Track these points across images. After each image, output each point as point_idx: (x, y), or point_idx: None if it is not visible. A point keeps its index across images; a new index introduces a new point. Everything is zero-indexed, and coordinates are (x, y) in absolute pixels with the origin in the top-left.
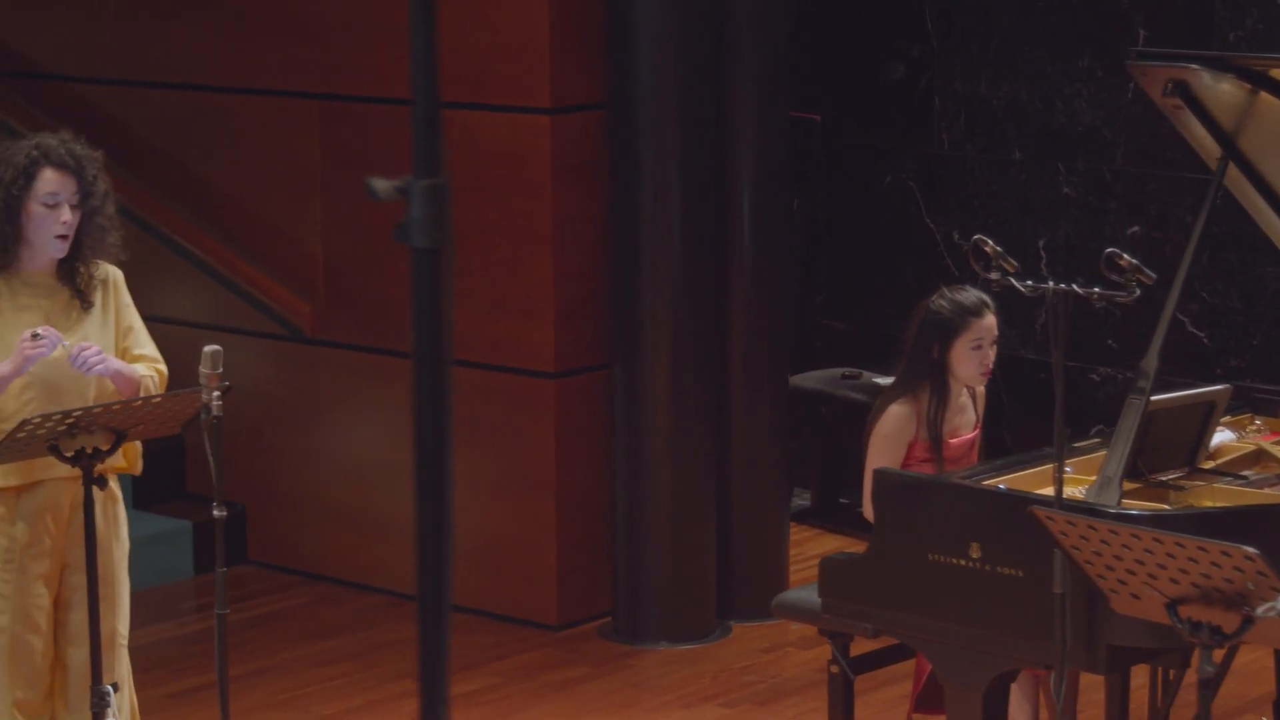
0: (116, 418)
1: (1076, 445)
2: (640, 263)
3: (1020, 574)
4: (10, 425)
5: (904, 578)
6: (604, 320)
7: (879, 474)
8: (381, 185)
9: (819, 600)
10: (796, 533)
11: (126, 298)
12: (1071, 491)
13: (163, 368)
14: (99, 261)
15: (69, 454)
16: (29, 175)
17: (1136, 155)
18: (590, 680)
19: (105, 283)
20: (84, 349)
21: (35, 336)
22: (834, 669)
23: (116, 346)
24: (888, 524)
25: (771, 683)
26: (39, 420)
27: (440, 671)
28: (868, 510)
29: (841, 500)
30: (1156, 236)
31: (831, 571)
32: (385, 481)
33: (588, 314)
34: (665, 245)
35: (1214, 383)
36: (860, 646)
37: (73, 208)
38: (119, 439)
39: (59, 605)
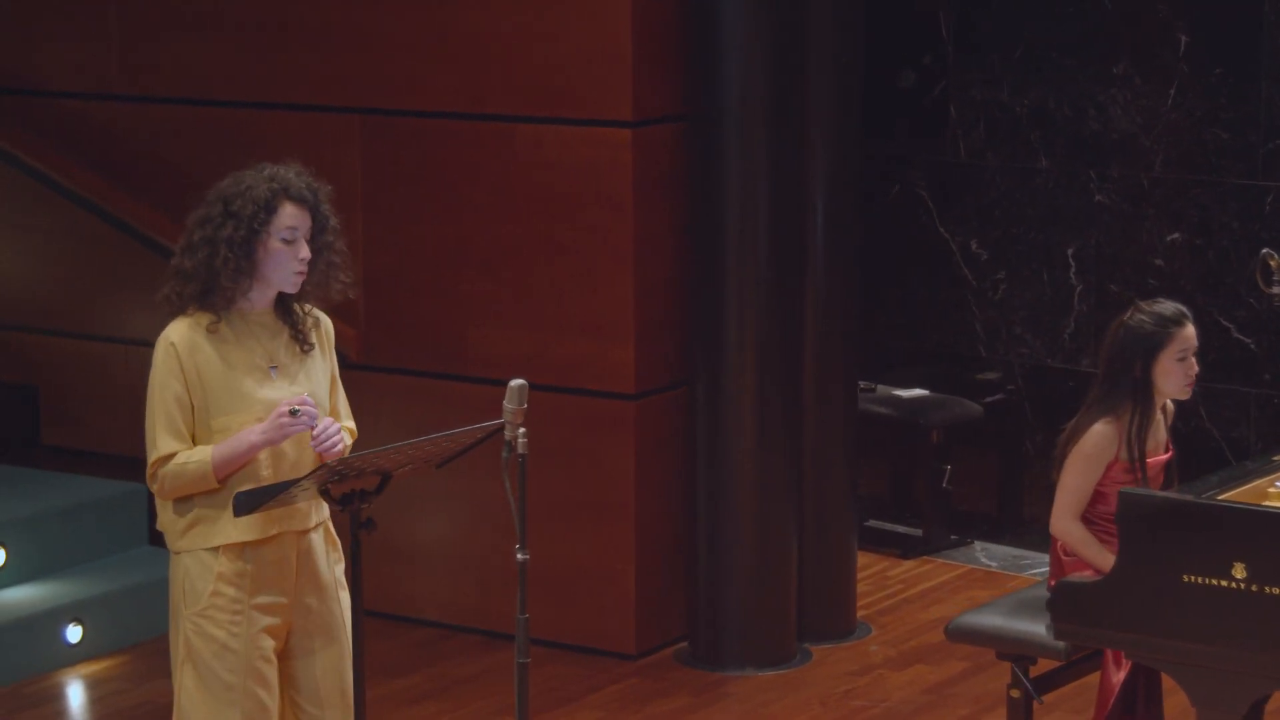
0: (404, 455)
1: (1276, 459)
2: (725, 278)
3: None
4: (240, 476)
5: (1154, 600)
6: (682, 339)
7: (1125, 495)
8: None
9: (999, 623)
10: None
11: (333, 350)
12: None
13: (353, 426)
14: (310, 305)
15: (337, 496)
16: (270, 209)
17: (1177, 162)
18: (698, 710)
19: (319, 325)
20: (327, 430)
21: (294, 413)
22: (1014, 693)
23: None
24: (1135, 546)
25: (883, 706)
26: (334, 463)
27: None
28: (1053, 526)
29: None
30: (1199, 243)
31: (1069, 596)
32: (429, 511)
33: (667, 332)
34: (751, 260)
35: (1261, 388)
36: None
37: (307, 243)
38: (384, 480)
39: (287, 656)
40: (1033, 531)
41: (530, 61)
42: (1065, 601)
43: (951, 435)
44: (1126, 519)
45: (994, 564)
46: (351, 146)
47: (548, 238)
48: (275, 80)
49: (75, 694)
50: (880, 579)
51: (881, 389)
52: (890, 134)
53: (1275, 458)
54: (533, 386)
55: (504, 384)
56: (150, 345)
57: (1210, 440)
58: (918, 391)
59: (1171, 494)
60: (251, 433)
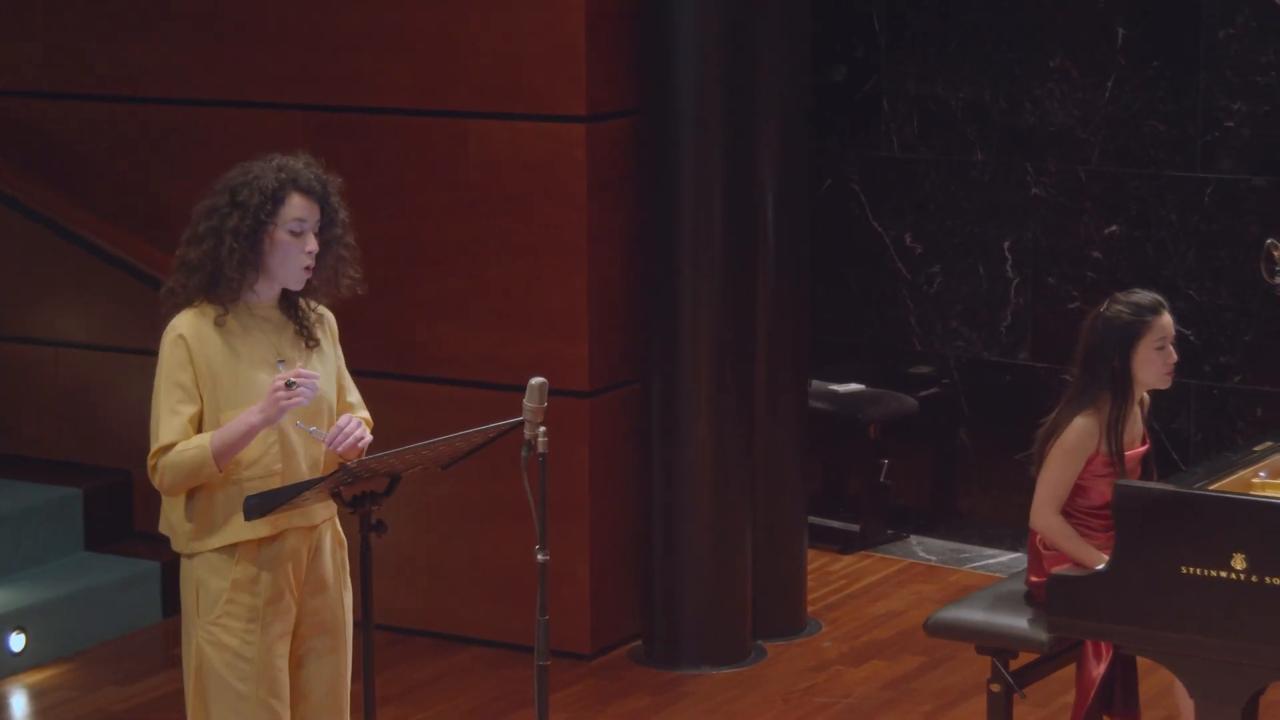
0: (419, 455)
1: (1256, 450)
2: (680, 274)
3: None
4: (253, 472)
5: (1152, 593)
6: (637, 336)
7: (1122, 488)
8: None
9: (980, 618)
10: None
11: (337, 344)
12: None
13: (368, 415)
14: (315, 300)
15: (348, 499)
16: (277, 200)
17: (1115, 154)
18: (661, 710)
19: (323, 320)
20: (342, 429)
21: (289, 385)
22: (994, 687)
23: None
24: (1132, 539)
25: (845, 702)
26: (353, 464)
27: None
28: (1033, 520)
29: None
30: (1137, 235)
31: (1065, 589)
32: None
33: (621, 329)
34: (706, 255)
35: (1201, 379)
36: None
37: (314, 235)
38: (393, 481)
39: (291, 662)
40: (968, 525)
41: (482, 57)
42: (1060, 595)
43: (888, 430)
44: (1123, 511)
45: (933, 558)
46: (294, 145)
47: (500, 235)
48: (214, 77)
49: (21, 704)
50: (822, 575)
51: (817, 384)
52: (822, 129)
53: (1255, 449)
54: (485, 386)
55: (455, 384)
56: (81, 347)
57: (1150, 432)
58: (854, 386)
59: (1170, 486)
60: (250, 414)
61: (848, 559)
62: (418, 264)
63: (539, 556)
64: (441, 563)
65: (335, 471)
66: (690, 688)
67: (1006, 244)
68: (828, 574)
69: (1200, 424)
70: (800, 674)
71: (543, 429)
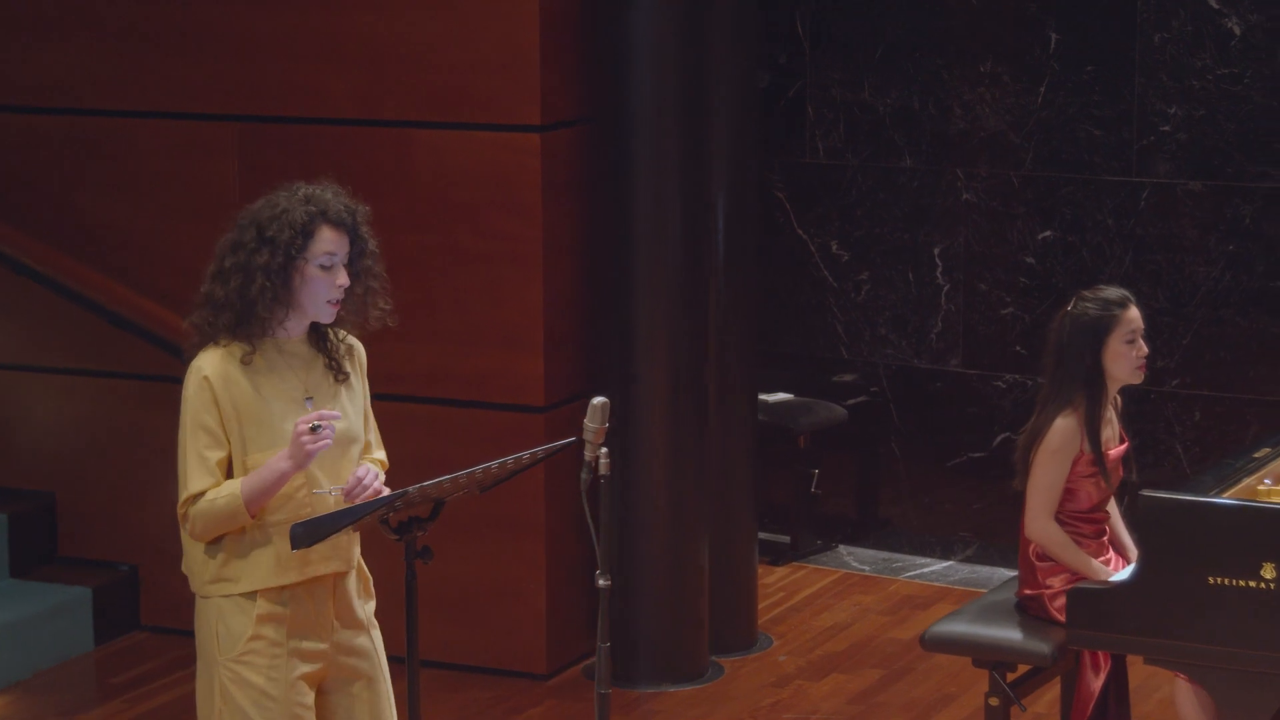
0: (472, 480)
1: (1255, 457)
2: (635, 285)
3: None
4: (280, 515)
5: (1179, 604)
6: (591, 348)
7: (1145, 499)
8: None
9: (977, 631)
10: None
11: (365, 377)
12: None
13: (384, 456)
14: (344, 331)
15: (395, 525)
16: (307, 234)
17: (1048, 159)
18: None
19: (353, 352)
20: (361, 481)
21: (314, 429)
22: (993, 700)
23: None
24: (1157, 549)
25: (816, 718)
26: (416, 489)
27: None
28: (1029, 529)
29: None
30: (1071, 240)
31: (1085, 601)
32: None
33: (574, 342)
34: (662, 266)
35: (1138, 383)
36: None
37: (344, 268)
38: (437, 506)
39: (325, 703)
40: (896, 534)
41: (430, 66)
42: (1083, 608)
43: (818, 439)
44: (1148, 522)
45: (866, 568)
46: (228, 156)
47: (451, 247)
48: (142, 87)
49: None
50: (760, 588)
51: None
52: None
53: (1255, 455)
54: (436, 401)
55: (404, 400)
56: (3, 368)
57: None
58: (782, 396)
59: (1196, 496)
60: (280, 460)
61: (781, 570)
62: None
63: (600, 582)
64: (392, 583)
65: (389, 496)
66: (654, 706)
67: (937, 250)
68: (765, 586)
69: (1138, 428)
70: (763, 690)
71: (604, 450)
